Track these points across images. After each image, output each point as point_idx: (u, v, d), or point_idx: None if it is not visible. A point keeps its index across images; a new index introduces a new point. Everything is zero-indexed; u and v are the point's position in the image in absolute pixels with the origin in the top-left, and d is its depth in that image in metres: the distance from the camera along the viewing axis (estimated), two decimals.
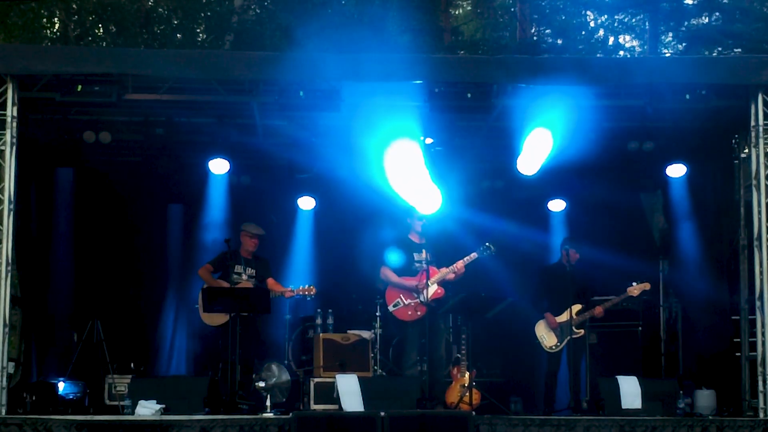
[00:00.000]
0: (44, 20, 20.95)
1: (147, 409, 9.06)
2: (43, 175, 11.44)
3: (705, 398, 10.29)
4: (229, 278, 10.46)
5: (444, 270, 10.28)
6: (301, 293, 10.49)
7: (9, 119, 9.35)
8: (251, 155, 11.76)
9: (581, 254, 10.72)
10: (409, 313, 10.25)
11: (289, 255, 12.41)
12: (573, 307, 10.43)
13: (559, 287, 10.43)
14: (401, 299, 10.28)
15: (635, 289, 10.42)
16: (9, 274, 9.28)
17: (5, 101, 9.36)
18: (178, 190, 12.43)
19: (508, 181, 12.14)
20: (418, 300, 10.22)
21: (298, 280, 11.25)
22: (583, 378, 10.40)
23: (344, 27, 19.27)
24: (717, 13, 25.11)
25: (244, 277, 10.58)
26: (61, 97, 9.88)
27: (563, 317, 10.41)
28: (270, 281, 10.66)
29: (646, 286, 10.52)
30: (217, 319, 10.29)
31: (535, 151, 10.72)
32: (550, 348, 10.48)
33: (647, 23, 25.01)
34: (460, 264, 10.27)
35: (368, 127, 10.49)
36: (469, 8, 28.00)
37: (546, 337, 10.50)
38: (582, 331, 10.42)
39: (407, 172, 10.62)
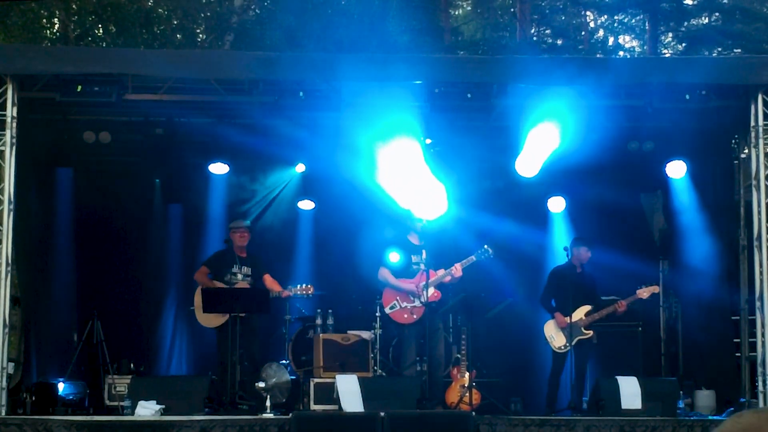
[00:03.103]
0: (44, 20, 20.95)
1: (147, 409, 9.07)
2: (43, 175, 11.43)
3: (705, 398, 10.30)
4: (223, 278, 10.46)
5: (441, 272, 10.27)
6: (299, 292, 10.48)
7: (9, 119, 9.35)
8: (251, 155, 11.75)
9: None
10: (405, 316, 10.25)
11: (290, 256, 12.40)
12: (582, 308, 10.42)
13: (567, 288, 10.40)
14: (398, 302, 10.28)
15: (644, 291, 10.40)
16: (9, 274, 9.28)
17: (5, 101, 9.36)
18: (178, 190, 12.42)
19: (508, 181, 12.11)
20: (414, 303, 10.21)
21: (298, 280, 11.23)
22: (589, 379, 10.40)
23: (344, 27, 19.27)
24: (717, 13, 25.14)
25: (240, 276, 10.57)
26: (61, 97, 9.87)
27: (573, 318, 10.37)
28: (267, 278, 10.62)
29: (655, 289, 10.54)
30: (213, 320, 10.29)
31: (535, 151, 10.72)
32: (559, 348, 10.43)
33: (647, 23, 25.02)
34: (457, 267, 10.25)
35: (368, 128, 10.48)
36: (469, 8, 28.01)
37: (555, 337, 10.45)
38: (591, 332, 10.41)
39: (407, 173, 10.61)
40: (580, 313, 10.42)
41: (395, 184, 10.72)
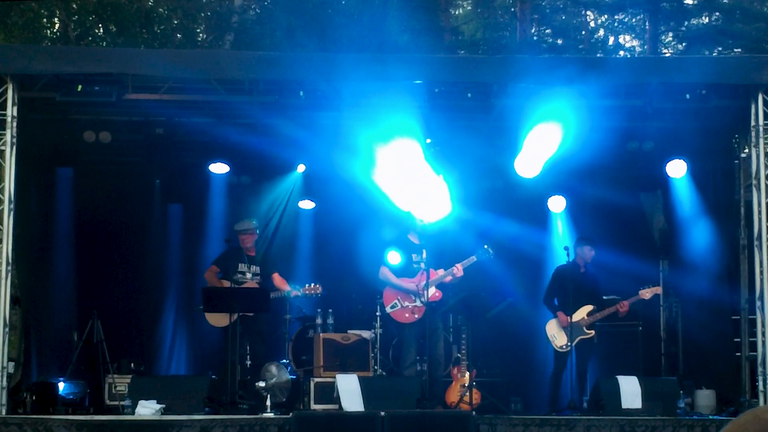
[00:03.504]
0: (44, 20, 20.95)
1: (147, 409, 9.07)
2: (43, 175, 11.44)
3: (705, 398, 10.30)
4: (232, 277, 10.47)
5: (441, 272, 10.27)
6: (307, 292, 10.49)
7: (9, 119, 9.36)
8: (251, 155, 11.75)
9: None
10: (407, 315, 10.25)
11: (290, 255, 12.41)
12: (584, 307, 10.41)
13: (570, 287, 10.40)
14: (399, 301, 10.28)
15: (647, 292, 10.40)
16: (9, 274, 9.28)
17: (5, 101, 9.36)
18: (178, 190, 12.42)
19: (508, 181, 12.11)
20: (415, 303, 10.22)
21: (299, 280, 11.25)
22: (591, 379, 10.40)
23: (344, 27, 19.27)
24: (717, 13, 25.14)
25: (249, 275, 10.59)
26: (61, 97, 9.87)
27: (576, 317, 10.36)
28: (275, 276, 10.64)
29: (658, 290, 10.54)
30: (222, 320, 10.29)
31: (535, 152, 10.71)
32: (561, 347, 10.41)
33: (647, 23, 25.02)
34: (458, 267, 10.26)
35: (368, 128, 10.49)
36: (469, 8, 28.01)
37: (557, 336, 10.44)
38: (592, 332, 10.41)
39: (408, 175, 10.61)
40: (582, 313, 10.42)
41: (395, 186, 10.71)
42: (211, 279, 10.59)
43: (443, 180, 10.88)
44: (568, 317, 10.34)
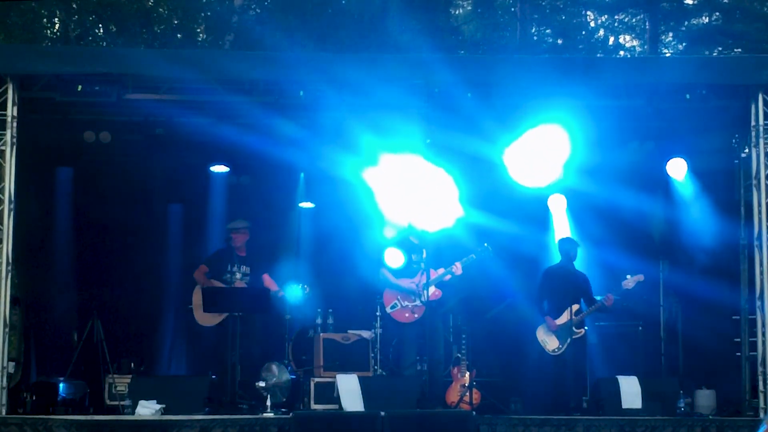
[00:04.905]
0: (44, 20, 20.96)
1: (147, 409, 9.08)
2: (43, 175, 11.43)
3: (705, 398, 10.30)
4: (222, 277, 10.47)
5: (441, 271, 10.29)
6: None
7: (9, 119, 9.36)
8: (251, 155, 11.73)
9: (580, 253, 10.74)
10: (407, 315, 10.27)
11: (289, 255, 12.40)
12: (572, 307, 10.41)
13: (559, 288, 10.40)
14: (398, 301, 10.30)
15: (629, 282, 10.39)
16: (9, 274, 9.29)
17: (5, 101, 9.37)
18: (178, 190, 12.42)
19: (507, 181, 12.10)
20: (415, 302, 10.23)
21: (298, 280, 11.24)
22: (591, 379, 10.40)
23: (344, 27, 19.28)
24: (717, 13, 25.15)
25: (238, 275, 10.59)
26: (61, 97, 9.88)
27: (563, 318, 10.37)
28: (265, 277, 10.66)
29: (640, 277, 10.48)
30: (210, 319, 10.31)
31: (542, 163, 10.73)
32: (553, 351, 10.40)
33: (647, 23, 25.03)
34: (457, 265, 10.27)
35: (368, 128, 10.49)
36: (469, 8, 27.99)
37: (547, 341, 10.44)
38: (582, 330, 10.40)
39: (409, 186, 10.63)
40: (569, 314, 10.40)
41: (394, 197, 10.72)
42: (201, 278, 10.59)
43: (451, 180, 10.86)
44: (555, 321, 10.35)
